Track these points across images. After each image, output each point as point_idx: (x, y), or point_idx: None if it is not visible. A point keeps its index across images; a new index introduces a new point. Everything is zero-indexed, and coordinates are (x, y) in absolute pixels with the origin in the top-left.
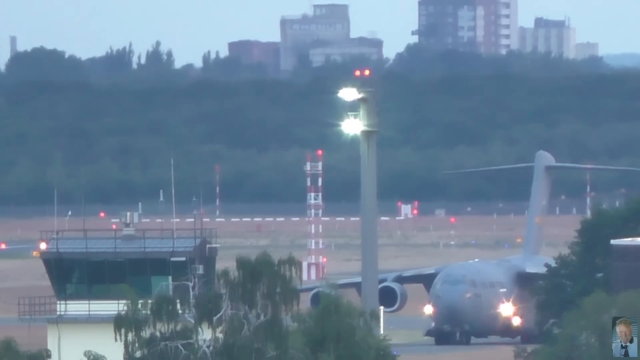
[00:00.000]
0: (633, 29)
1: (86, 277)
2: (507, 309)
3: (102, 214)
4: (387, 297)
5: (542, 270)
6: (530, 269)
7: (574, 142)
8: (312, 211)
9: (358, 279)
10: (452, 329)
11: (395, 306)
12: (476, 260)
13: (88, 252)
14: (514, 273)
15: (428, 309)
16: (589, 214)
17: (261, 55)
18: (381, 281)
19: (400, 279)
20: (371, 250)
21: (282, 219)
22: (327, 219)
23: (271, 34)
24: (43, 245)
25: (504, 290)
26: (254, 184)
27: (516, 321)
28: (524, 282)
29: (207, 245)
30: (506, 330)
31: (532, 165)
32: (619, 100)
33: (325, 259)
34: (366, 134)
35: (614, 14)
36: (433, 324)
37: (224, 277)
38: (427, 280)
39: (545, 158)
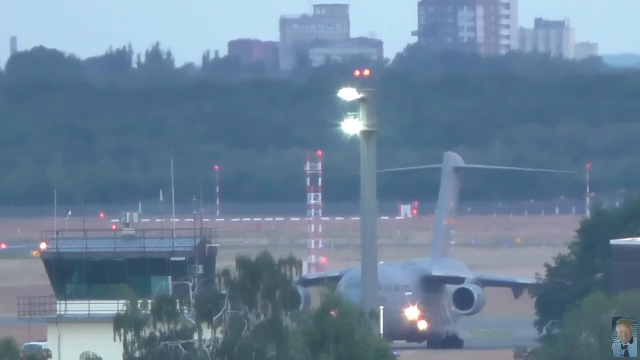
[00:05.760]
0: (633, 29)
1: (86, 277)
2: (412, 313)
3: (101, 214)
4: None
5: (449, 273)
6: (437, 272)
7: (574, 142)
8: (312, 211)
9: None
10: None
11: (299, 309)
12: (381, 262)
13: (88, 252)
14: (419, 276)
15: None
16: (588, 214)
17: (261, 55)
18: None
19: (305, 282)
20: (371, 250)
21: (281, 218)
22: (327, 218)
23: (271, 34)
24: (43, 245)
25: (409, 293)
26: (254, 183)
27: (422, 325)
28: (430, 285)
29: (207, 245)
30: (412, 334)
31: (440, 167)
32: (618, 100)
33: (325, 259)
34: (366, 133)
35: (613, 14)
36: None
37: (224, 276)
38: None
39: (453, 159)
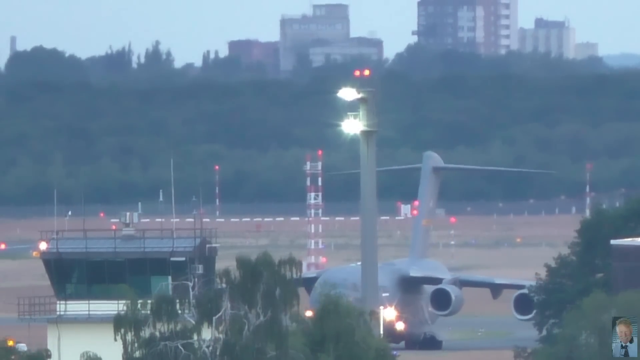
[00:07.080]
0: (633, 29)
1: (86, 277)
2: (389, 314)
3: (101, 214)
4: None
5: (427, 274)
6: (415, 272)
7: (574, 142)
8: (312, 211)
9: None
10: None
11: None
12: (358, 263)
13: (88, 252)
14: (397, 277)
15: (309, 314)
16: (588, 214)
17: (261, 55)
18: None
19: None
20: (371, 250)
21: (281, 218)
22: (327, 218)
23: (271, 34)
24: (43, 245)
25: (387, 294)
26: (254, 184)
27: (400, 326)
28: (407, 286)
29: (207, 245)
30: (389, 335)
31: (420, 167)
32: (618, 100)
33: (325, 259)
34: (366, 133)
35: (613, 14)
36: None
37: (225, 276)
38: (308, 284)
39: (432, 159)
